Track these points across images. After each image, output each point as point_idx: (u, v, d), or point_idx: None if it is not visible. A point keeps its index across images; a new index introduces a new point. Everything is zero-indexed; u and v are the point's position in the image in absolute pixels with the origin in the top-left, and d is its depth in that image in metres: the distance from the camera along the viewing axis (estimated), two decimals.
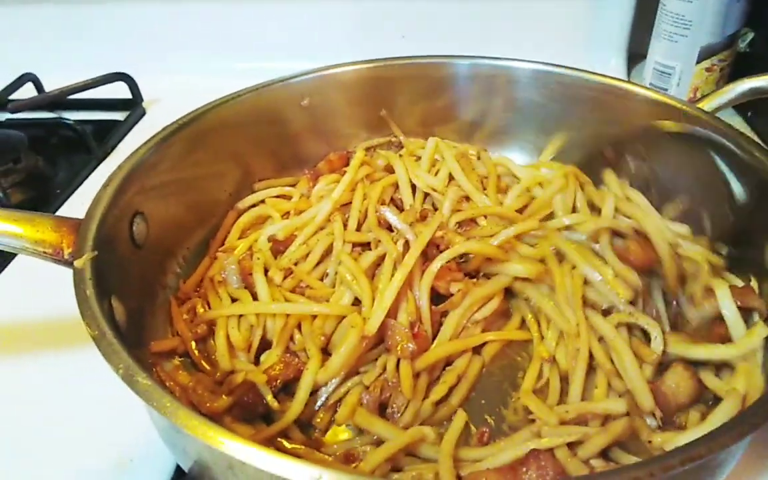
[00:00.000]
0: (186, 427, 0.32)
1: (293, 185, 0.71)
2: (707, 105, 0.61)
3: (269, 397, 0.46)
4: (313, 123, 0.72)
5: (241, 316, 0.53)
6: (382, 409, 0.47)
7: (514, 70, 0.67)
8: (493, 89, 0.68)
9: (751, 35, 0.89)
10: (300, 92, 0.70)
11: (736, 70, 0.91)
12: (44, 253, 0.45)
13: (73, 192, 0.83)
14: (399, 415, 0.46)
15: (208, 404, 0.45)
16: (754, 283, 0.54)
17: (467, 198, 0.64)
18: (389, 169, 0.69)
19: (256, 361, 0.51)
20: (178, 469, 0.46)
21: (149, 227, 0.55)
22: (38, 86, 1.03)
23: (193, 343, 0.52)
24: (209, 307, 0.56)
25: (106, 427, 0.50)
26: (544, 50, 1.01)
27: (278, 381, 0.47)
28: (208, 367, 0.51)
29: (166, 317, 0.56)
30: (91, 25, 1.11)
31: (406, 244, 0.54)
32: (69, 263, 0.44)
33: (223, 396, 0.46)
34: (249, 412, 0.46)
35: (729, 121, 0.58)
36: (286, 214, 0.66)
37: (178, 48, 1.11)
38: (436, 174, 0.67)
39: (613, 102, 0.65)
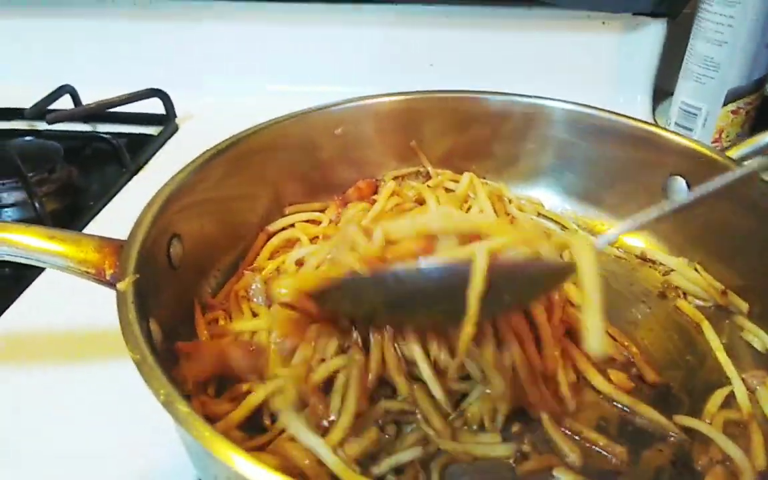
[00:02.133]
0: (222, 458, 0.33)
1: (322, 210, 0.72)
2: (735, 153, 0.62)
3: None
4: (344, 150, 0.74)
5: (254, 332, 0.55)
6: None
7: (547, 110, 0.68)
8: (525, 127, 0.69)
9: None
10: (335, 121, 0.71)
11: (762, 114, 0.92)
12: (87, 273, 0.47)
13: (105, 204, 0.85)
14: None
15: (213, 407, 0.48)
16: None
17: None
18: (419, 201, 0.70)
19: None
20: None
21: (185, 248, 0.57)
22: (75, 98, 1.06)
23: None
24: (230, 320, 0.58)
25: (130, 438, 0.51)
26: (572, 85, 1.03)
27: None
28: None
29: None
30: (128, 41, 1.14)
31: None
32: (111, 284, 0.46)
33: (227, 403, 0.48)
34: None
35: None
36: (314, 239, 0.68)
37: (212, 67, 1.14)
38: (467, 211, 0.68)
39: (644, 146, 0.66)
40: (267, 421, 0.48)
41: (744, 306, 0.59)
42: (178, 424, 0.36)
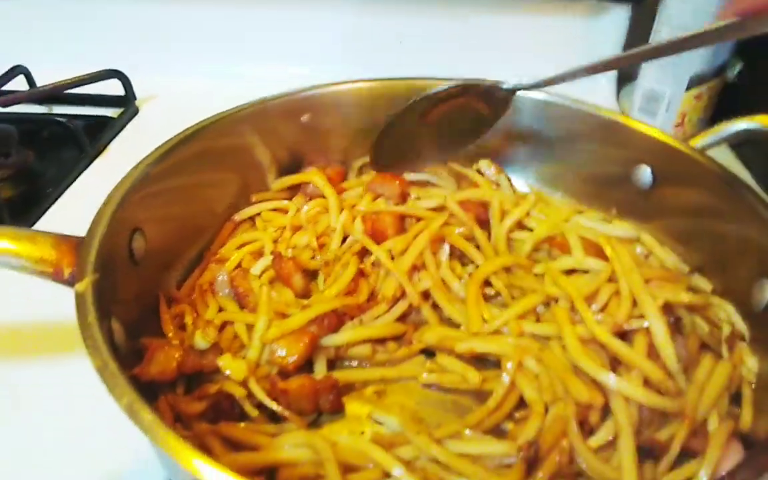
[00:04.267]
0: (187, 467, 0.33)
1: (290, 199, 0.71)
2: (700, 142, 0.63)
3: (248, 407, 0.48)
4: (311, 137, 0.72)
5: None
6: None
7: (517, 98, 0.68)
8: None
9: (739, 66, 0.91)
10: (301, 107, 0.70)
11: (724, 99, 0.94)
12: (43, 272, 0.45)
13: (64, 190, 0.82)
14: None
15: (183, 406, 0.47)
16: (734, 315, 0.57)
17: None
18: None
19: None
20: None
21: (147, 242, 0.55)
22: (30, 79, 1.02)
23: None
24: (197, 314, 0.57)
25: (97, 438, 0.50)
26: (536, 67, 1.02)
27: None
28: None
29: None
30: (85, 19, 1.10)
31: None
32: (69, 283, 0.44)
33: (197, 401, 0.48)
34: (224, 416, 0.47)
35: (717, 150, 0.61)
36: (281, 229, 0.67)
37: (173, 47, 1.10)
38: None
39: (610, 135, 0.67)
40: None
41: (708, 285, 0.60)
42: (142, 432, 0.35)
